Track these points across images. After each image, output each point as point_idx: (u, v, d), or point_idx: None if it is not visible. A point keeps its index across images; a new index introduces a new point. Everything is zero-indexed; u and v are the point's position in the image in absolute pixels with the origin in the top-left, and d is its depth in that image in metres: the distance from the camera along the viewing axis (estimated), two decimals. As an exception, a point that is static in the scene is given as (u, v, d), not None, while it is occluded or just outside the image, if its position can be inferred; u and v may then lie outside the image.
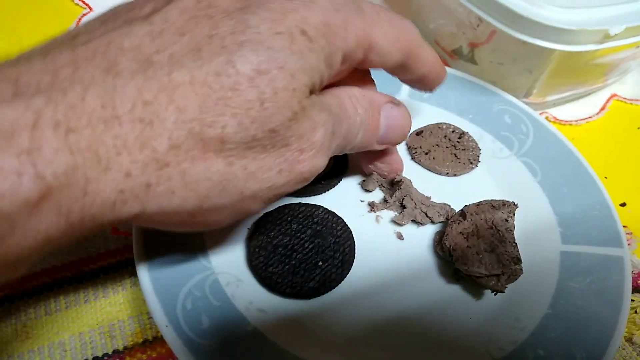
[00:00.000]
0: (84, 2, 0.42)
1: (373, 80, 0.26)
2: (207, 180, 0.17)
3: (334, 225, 0.27)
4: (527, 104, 0.35)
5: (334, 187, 0.29)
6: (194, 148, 0.16)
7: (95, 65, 0.15)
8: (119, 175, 0.15)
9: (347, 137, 0.22)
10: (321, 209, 0.27)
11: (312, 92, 0.19)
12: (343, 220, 0.27)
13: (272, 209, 0.27)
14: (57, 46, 0.16)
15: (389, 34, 0.21)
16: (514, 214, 0.27)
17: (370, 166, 0.29)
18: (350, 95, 0.22)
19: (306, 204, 0.28)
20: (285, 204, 0.28)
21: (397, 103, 0.25)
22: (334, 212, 0.27)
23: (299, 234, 0.26)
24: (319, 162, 0.20)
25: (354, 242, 0.26)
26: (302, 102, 0.18)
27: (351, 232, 0.27)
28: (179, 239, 0.25)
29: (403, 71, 0.24)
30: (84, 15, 0.41)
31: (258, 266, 0.25)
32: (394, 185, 0.29)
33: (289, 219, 0.27)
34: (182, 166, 0.16)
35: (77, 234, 0.15)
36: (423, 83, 0.25)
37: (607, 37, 0.29)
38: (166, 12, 0.17)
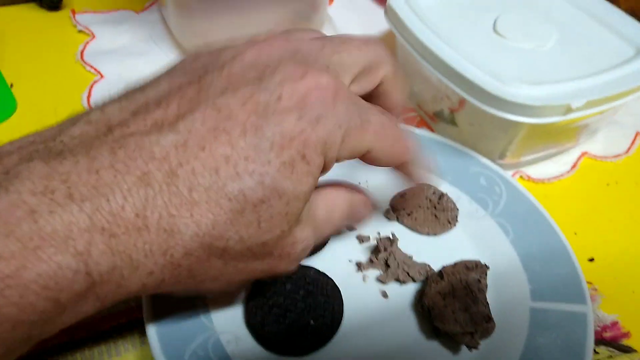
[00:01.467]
0: (95, 70, 0.45)
1: None
2: (204, 274, 0.20)
3: (324, 285, 0.30)
4: (502, 164, 0.38)
5: (322, 249, 0.32)
6: (202, 254, 0.19)
7: (131, 173, 0.18)
8: (144, 273, 0.18)
9: (323, 237, 0.26)
10: (312, 270, 0.30)
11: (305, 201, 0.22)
12: (332, 280, 0.30)
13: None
14: (96, 140, 0.19)
15: (388, 148, 0.24)
16: (486, 275, 0.30)
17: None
18: (351, 204, 0.26)
19: (299, 265, 0.30)
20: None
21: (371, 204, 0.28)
22: (324, 273, 0.30)
23: (292, 294, 0.29)
24: (292, 268, 0.24)
25: (342, 300, 0.29)
26: (291, 223, 0.21)
27: (340, 291, 0.30)
28: (184, 301, 0.28)
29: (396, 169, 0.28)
30: (95, 82, 0.44)
31: (256, 326, 0.27)
32: (379, 246, 0.32)
33: (284, 279, 0.29)
34: (190, 267, 0.20)
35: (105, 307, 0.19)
36: (409, 182, 0.29)
37: (569, 110, 0.33)
38: (191, 121, 0.19)
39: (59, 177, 0.17)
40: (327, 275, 0.30)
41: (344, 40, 0.24)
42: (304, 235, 0.23)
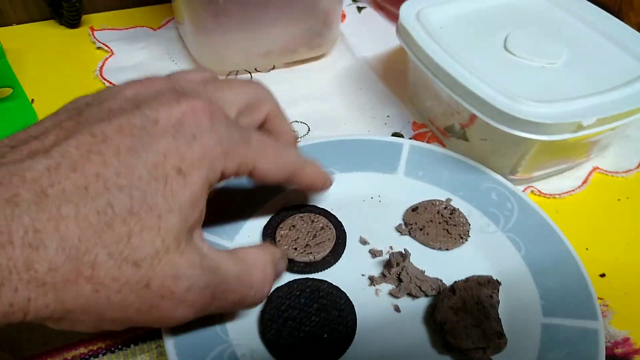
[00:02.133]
0: (106, 46, 0.49)
1: None
2: (73, 300, 0.19)
3: (337, 299, 0.30)
4: (513, 179, 0.38)
5: (335, 263, 0.33)
6: (68, 272, 0.19)
7: (0, 195, 0.19)
8: (10, 291, 0.18)
9: (238, 305, 0.26)
10: (326, 284, 0.31)
11: (191, 227, 0.22)
12: (346, 294, 0.30)
13: (281, 284, 0.31)
14: None
15: (272, 161, 0.26)
16: (498, 290, 0.30)
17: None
18: (264, 267, 0.26)
19: (313, 279, 0.31)
20: (295, 279, 0.31)
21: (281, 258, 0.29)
22: (337, 287, 0.31)
23: (306, 308, 0.29)
24: (179, 315, 0.22)
25: (355, 315, 0.30)
26: (167, 242, 0.20)
27: (353, 305, 0.30)
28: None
29: (290, 183, 0.30)
30: (107, 59, 0.48)
31: (270, 339, 0.28)
32: (391, 260, 0.32)
33: (298, 293, 0.30)
34: (57, 286, 0.19)
35: None
36: (311, 189, 0.32)
37: (580, 127, 0.33)
38: (65, 146, 0.20)
39: None
40: (340, 289, 0.31)
41: (227, 81, 0.27)
42: (188, 270, 0.21)
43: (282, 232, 0.33)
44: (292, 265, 0.32)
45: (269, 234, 0.34)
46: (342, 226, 0.35)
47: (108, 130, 0.21)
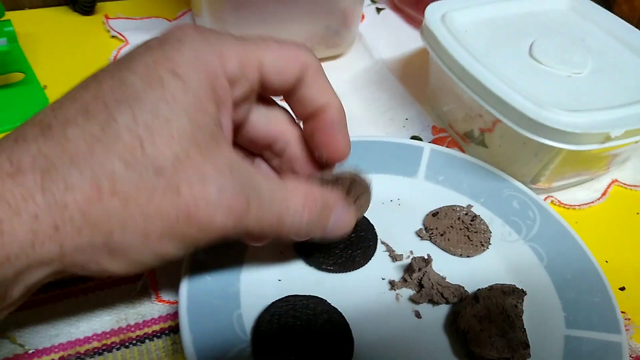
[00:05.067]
0: (121, 35, 0.49)
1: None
2: (105, 220, 0.19)
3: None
4: (533, 189, 0.38)
5: (365, 264, 0.32)
6: (88, 189, 0.18)
7: (7, 139, 0.19)
8: (29, 217, 0.17)
9: (276, 227, 0.24)
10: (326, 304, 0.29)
11: (211, 135, 0.21)
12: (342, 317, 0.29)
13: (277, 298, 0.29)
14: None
15: (279, 52, 0.24)
16: (522, 300, 0.30)
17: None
18: (306, 193, 0.24)
19: (314, 300, 0.29)
20: (292, 295, 0.29)
21: (348, 203, 0.27)
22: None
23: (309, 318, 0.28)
24: (219, 221, 0.21)
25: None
26: (186, 146, 0.20)
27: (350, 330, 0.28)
28: (220, 308, 0.28)
29: (302, 99, 0.26)
30: (121, 48, 0.48)
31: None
32: (413, 265, 0.31)
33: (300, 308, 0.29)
34: (80, 207, 0.18)
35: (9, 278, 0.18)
36: (326, 131, 0.26)
37: (608, 138, 0.33)
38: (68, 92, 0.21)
39: None
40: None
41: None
42: (215, 173, 0.20)
43: None
44: (322, 262, 0.31)
45: None
46: (374, 228, 0.34)
47: (104, 67, 0.22)
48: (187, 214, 0.20)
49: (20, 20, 0.49)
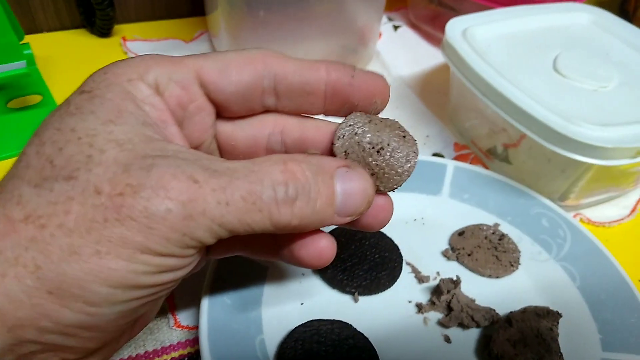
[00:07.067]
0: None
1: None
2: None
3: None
4: (562, 206, 0.37)
5: (390, 286, 0.31)
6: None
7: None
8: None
9: (252, 207, 0.18)
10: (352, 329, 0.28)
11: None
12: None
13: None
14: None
15: (223, 58, 0.22)
16: (557, 323, 0.28)
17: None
18: (283, 158, 0.20)
19: (339, 324, 0.28)
20: (316, 320, 0.28)
21: (351, 166, 0.21)
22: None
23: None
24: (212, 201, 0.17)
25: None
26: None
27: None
28: (242, 333, 0.27)
29: (292, 90, 0.23)
30: None
31: None
32: (441, 287, 0.30)
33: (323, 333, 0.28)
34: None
35: None
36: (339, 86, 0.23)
37: (639, 153, 0.32)
38: None
39: None
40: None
41: None
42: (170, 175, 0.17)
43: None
44: (346, 285, 0.30)
45: None
46: (398, 248, 0.33)
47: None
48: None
49: (39, 43, 0.49)
